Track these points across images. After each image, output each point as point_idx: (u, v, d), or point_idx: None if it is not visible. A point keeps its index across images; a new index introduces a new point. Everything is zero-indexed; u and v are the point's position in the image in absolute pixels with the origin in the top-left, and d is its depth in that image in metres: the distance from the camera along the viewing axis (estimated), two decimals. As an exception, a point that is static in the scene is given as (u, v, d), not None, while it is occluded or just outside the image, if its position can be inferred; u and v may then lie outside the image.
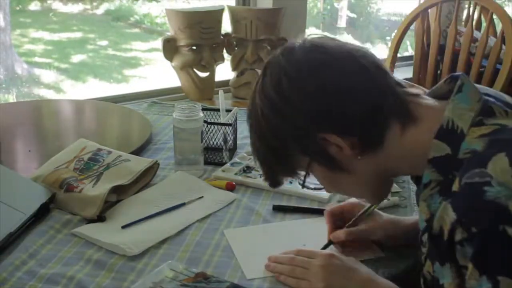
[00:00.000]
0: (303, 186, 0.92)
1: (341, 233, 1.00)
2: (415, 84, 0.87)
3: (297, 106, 0.81)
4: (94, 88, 3.48)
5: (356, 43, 0.89)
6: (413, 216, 1.12)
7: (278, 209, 1.16)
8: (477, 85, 0.81)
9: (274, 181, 0.92)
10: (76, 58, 3.85)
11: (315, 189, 1.20)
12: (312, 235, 1.06)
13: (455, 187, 0.72)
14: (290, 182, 1.28)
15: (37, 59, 3.67)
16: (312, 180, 0.91)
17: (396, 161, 0.84)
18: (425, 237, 0.79)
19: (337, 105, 0.80)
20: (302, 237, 1.06)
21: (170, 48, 2.00)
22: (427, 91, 0.88)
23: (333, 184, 0.91)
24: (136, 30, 4.15)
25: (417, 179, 0.89)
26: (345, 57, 0.82)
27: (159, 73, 3.07)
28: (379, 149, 0.82)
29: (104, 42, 4.02)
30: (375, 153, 0.82)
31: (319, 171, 0.87)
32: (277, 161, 0.88)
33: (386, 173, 0.87)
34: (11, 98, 2.99)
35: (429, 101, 0.83)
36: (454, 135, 0.76)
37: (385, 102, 0.80)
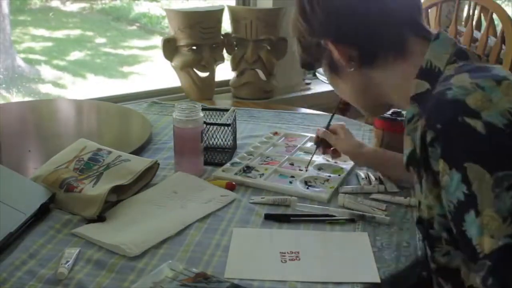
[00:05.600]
0: (308, 68, 1.19)
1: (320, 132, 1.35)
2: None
3: (315, 6, 0.92)
4: (94, 85, 3.49)
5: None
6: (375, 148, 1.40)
7: (269, 218, 1.12)
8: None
9: (304, 65, 1.05)
10: (75, 55, 3.85)
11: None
12: (317, 245, 1.04)
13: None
14: (290, 182, 1.28)
15: (36, 56, 3.67)
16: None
17: (384, 86, 0.95)
18: (410, 169, 0.89)
19: (345, 14, 0.91)
20: (306, 245, 1.03)
21: (170, 48, 2.00)
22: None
23: (330, 81, 1.04)
24: (133, 28, 4.16)
25: None
26: None
27: (157, 70, 3.07)
28: (371, 68, 0.93)
29: (102, 40, 4.03)
30: (367, 70, 0.94)
31: (324, 67, 1.00)
32: (307, 39, 0.98)
33: (375, 92, 0.97)
34: (13, 98, 2.99)
35: (420, 42, 0.92)
36: (432, 73, 0.87)
37: (389, 30, 0.91)
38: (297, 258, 0.99)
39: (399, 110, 1.46)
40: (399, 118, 1.38)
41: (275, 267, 0.96)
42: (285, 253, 1.00)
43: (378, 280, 0.94)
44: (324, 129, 1.35)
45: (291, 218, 1.12)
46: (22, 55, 3.44)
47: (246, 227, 1.10)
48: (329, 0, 0.92)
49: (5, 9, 2.97)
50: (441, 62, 0.87)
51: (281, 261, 0.98)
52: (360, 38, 0.91)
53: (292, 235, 1.07)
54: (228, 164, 1.36)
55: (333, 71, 0.98)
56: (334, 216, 1.13)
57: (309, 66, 1.05)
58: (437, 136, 0.76)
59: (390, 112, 1.41)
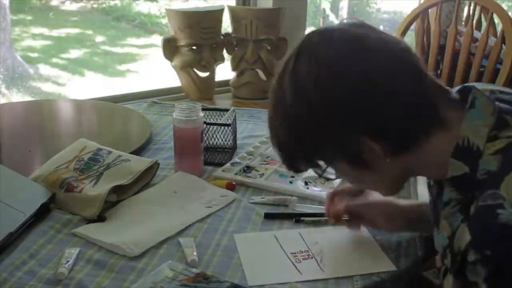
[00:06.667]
0: (320, 176, 0.90)
1: (341, 206, 1.05)
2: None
3: (334, 103, 0.77)
4: (92, 83, 3.50)
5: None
6: (411, 200, 1.13)
7: (269, 217, 1.13)
8: (490, 87, 0.81)
9: (292, 167, 0.90)
10: (74, 53, 3.87)
11: (331, 179, 1.10)
12: (323, 242, 1.04)
13: (473, 209, 0.72)
14: (290, 182, 1.28)
15: (36, 55, 3.68)
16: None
17: (422, 164, 0.83)
18: (447, 252, 0.79)
19: (376, 107, 0.77)
20: (313, 244, 1.03)
21: (170, 48, 2.00)
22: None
23: (353, 178, 0.91)
24: (133, 27, 4.17)
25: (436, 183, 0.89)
26: (388, 56, 0.78)
27: (155, 68, 3.08)
28: (410, 152, 0.80)
29: (101, 39, 4.04)
30: (405, 155, 0.80)
31: (342, 166, 0.85)
32: (297, 149, 0.85)
33: (411, 173, 0.87)
34: (13, 97, 2.99)
35: (453, 107, 0.81)
36: (470, 153, 0.75)
37: (422, 110, 0.78)
38: (309, 257, 1.00)
39: None
40: None
41: (293, 268, 0.97)
42: (295, 253, 1.01)
43: (394, 268, 0.96)
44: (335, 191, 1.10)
45: (299, 218, 1.12)
46: (21, 53, 3.45)
47: (246, 227, 1.09)
48: (350, 82, 0.77)
49: (6, 8, 2.97)
50: (480, 140, 0.75)
51: (296, 261, 0.98)
52: (393, 126, 0.78)
53: (296, 234, 1.07)
54: (228, 164, 1.36)
55: (360, 165, 0.82)
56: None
57: (299, 167, 0.90)
58: (483, 260, 0.69)
59: None
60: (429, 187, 0.92)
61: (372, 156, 0.80)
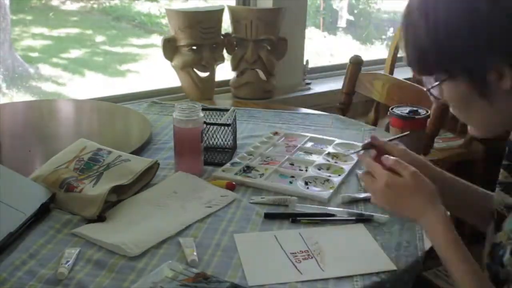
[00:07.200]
0: (429, 90, 0.88)
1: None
2: None
3: (485, 20, 0.77)
4: (92, 82, 3.51)
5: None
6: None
7: (269, 217, 1.13)
8: None
9: (418, 69, 0.88)
10: (74, 53, 3.87)
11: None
12: (323, 242, 1.04)
13: None
14: (290, 182, 1.28)
15: (36, 54, 3.69)
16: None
17: None
18: None
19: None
20: (313, 244, 1.04)
21: (170, 48, 2.00)
22: None
23: (463, 105, 0.88)
24: (133, 27, 4.17)
25: None
26: None
27: (155, 68, 3.09)
28: None
29: (101, 38, 4.05)
30: None
31: (460, 88, 0.84)
32: (436, 49, 0.83)
33: None
34: (13, 97, 3.00)
35: None
36: None
37: None
38: (309, 257, 1.00)
39: (415, 108, 1.45)
40: (416, 116, 1.37)
41: (293, 268, 0.97)
42: (296, 253, 1.01)
43: (394, 268, 0.96)
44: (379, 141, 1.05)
45: (296, 218, 1.12)
46: (21, 53, 3.45)
47: (246, 227, 1.10)
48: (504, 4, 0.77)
49: (6, 8, 2.97)
50: None
51: (296, 261, 0.98)
52: None
53: (296, 234, 1.07)
54: (228, 164, 1.36)
55: (482, 93, 0.82)
56: (334, 215, 1.14)
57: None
58: None
59: (407, 110, 1.40)
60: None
61: (498, 87, 0.80)
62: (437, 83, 0.86)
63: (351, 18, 4.44)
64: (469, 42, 0.80)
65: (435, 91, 0.88)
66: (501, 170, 0.90)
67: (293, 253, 1.01)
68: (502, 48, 0.79)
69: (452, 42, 0.81)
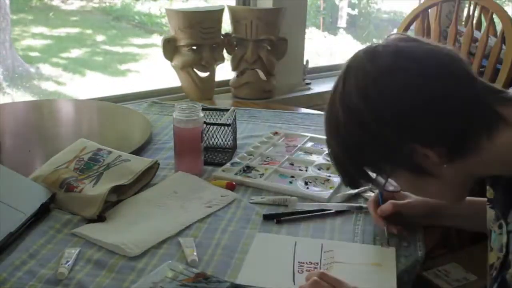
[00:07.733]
0: (383, 189, 0.91)
1: (388, 205, 1.05)
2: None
3: (385, 116, 0.79)
4: (92, 82, 3.51)
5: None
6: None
7: (268, 218, 1.12)
8: None
9: (351, 183, 0.92)
10: (74, 53, 3.87)
11: (393, 191, 1.01)
12: (340, 257, 0.99)
13: None
14: (290, 182, 1.28)
15: (36, 54, 3.69)
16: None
17: (486, 165, 0.82)
18: None
19: (427, 117, 0.78)
20: (328, 258, 0.99)
21: (170, 48, 2.00)
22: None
23: (415, 188, 0.91)
24: (133, 27, 4.17)
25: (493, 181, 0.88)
26: (434, 64, 0.80)
27: (155, 68, 3.09)
28: (468, 156, 0.80)
29: (101, 38, 4.05)
30: (463, 159, 0.80)
31: (402, 177, 0.86)
32: (356, 168, 0.87)
33: (475, 176, 0.86)
34: (13, 97, 3.00)
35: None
36: None
37: (475, 113, 0.78)
38: (314, 270, 0.95)
39: None
40: None
41: (290, 277, 0.94)
42: (303, 263, 0.98)
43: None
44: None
45: (277, 219, 1.11)
46: (22, 53, 3.45)
47: (246, 227, 1.10)
48: (400, 104, 0.79)
49: (6, 8, 2.97)
50: None
51: (298, 271, 0.95)
52: (446, 132, 0.79)
53: (318, 245, 1.03)
54: (228, 164, 1.36)
55: (420, 173, 0.83)
56: (330, 210, 1.14)
57: (359, 183, 0.91)
58: None
59: None
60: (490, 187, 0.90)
61: (430, 163, 0.81)
62: (384, 181, 0.88)
63: (355, 12, 4.44)
64: (375, 147, 0.82)
65: (389, 188, 0.91)
66: (487, 187, 0.90)
67: (300, 262, 0.98)
68: (405, 135, 0.80)
69: (362, 152, 0.84)
